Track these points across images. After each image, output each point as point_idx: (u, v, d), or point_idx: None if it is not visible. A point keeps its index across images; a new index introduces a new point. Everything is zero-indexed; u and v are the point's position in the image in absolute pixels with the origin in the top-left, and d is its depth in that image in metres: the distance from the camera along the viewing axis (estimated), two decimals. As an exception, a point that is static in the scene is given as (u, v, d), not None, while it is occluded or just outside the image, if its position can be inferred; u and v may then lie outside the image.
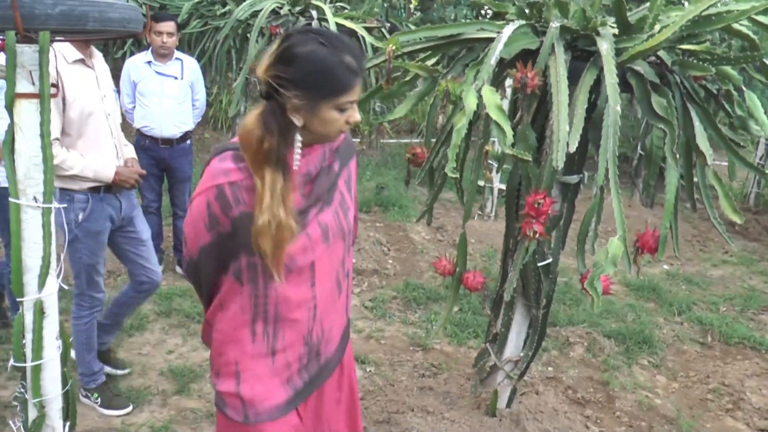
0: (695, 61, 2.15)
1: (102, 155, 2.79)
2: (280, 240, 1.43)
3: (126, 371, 3.35)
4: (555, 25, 2.13)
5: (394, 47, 2.18)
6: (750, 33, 2.31)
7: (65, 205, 2.10)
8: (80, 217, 2.79)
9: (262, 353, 1.57)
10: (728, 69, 2.29)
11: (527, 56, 2.20)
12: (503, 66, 2.23)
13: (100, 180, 2.77)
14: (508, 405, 2.82)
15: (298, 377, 1.62)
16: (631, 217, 6.35)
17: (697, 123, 2.24)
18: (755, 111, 2.28)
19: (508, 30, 2.13)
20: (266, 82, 1.42)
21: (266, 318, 1.56)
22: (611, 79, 1.94)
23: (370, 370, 3.53)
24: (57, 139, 2.66)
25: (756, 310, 4.85)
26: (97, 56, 2.95)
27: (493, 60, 2.05)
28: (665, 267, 5.74)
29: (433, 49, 2.52)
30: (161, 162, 4.37)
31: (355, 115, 1.49)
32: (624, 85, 2.23)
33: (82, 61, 2.76)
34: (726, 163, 2.62)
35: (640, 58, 2.19)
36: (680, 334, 4.35)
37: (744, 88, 2.30)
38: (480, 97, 1.98)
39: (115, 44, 7.65)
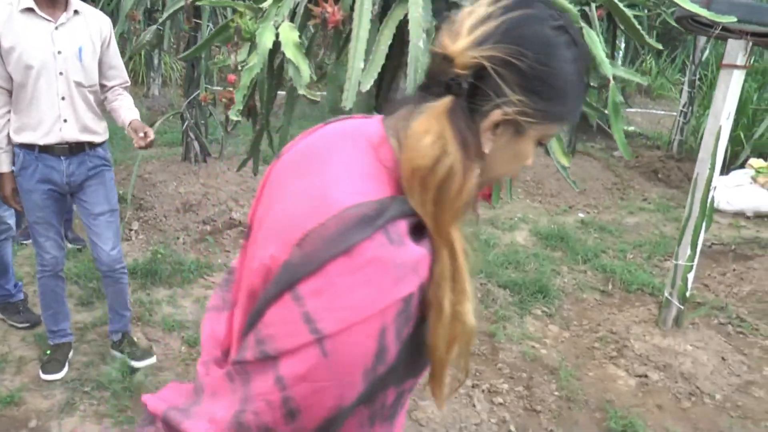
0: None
1: (40, 114, 2.60)
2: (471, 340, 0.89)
3: (148, 362, 3.03)
4: (367, -46, 1.95)
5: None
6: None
7: None
8: (16, 171, 2.69)
9: None
10: (565, 3, 2.15)
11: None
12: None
13: None
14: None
15: None
16: (550, 166, 6.28)
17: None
18: (594, 48, 2.15)
19: (316, -39, 1.95)
20: (472, 66, 0.82)
21: None
22: (415, 12, 1.79)
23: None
24: None
25: (662, 256, 4.83)
26: None
27: (296, -6, 1.89)
28: (581, 215, 5.70)
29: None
30: None
31: (532, 159, 0.95)
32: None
33: (32, 10, 2.52)
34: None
35: (467, -8, 2.04)
36: (581, 283, 4.31)
37: (583, 24, 2.16)
38: (278, 35, 1.81)
39: None
